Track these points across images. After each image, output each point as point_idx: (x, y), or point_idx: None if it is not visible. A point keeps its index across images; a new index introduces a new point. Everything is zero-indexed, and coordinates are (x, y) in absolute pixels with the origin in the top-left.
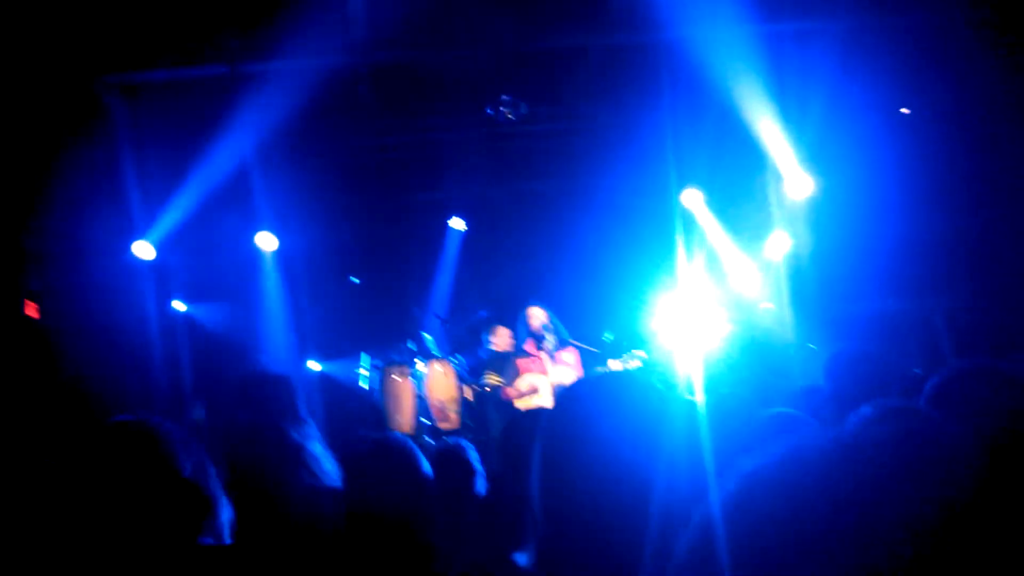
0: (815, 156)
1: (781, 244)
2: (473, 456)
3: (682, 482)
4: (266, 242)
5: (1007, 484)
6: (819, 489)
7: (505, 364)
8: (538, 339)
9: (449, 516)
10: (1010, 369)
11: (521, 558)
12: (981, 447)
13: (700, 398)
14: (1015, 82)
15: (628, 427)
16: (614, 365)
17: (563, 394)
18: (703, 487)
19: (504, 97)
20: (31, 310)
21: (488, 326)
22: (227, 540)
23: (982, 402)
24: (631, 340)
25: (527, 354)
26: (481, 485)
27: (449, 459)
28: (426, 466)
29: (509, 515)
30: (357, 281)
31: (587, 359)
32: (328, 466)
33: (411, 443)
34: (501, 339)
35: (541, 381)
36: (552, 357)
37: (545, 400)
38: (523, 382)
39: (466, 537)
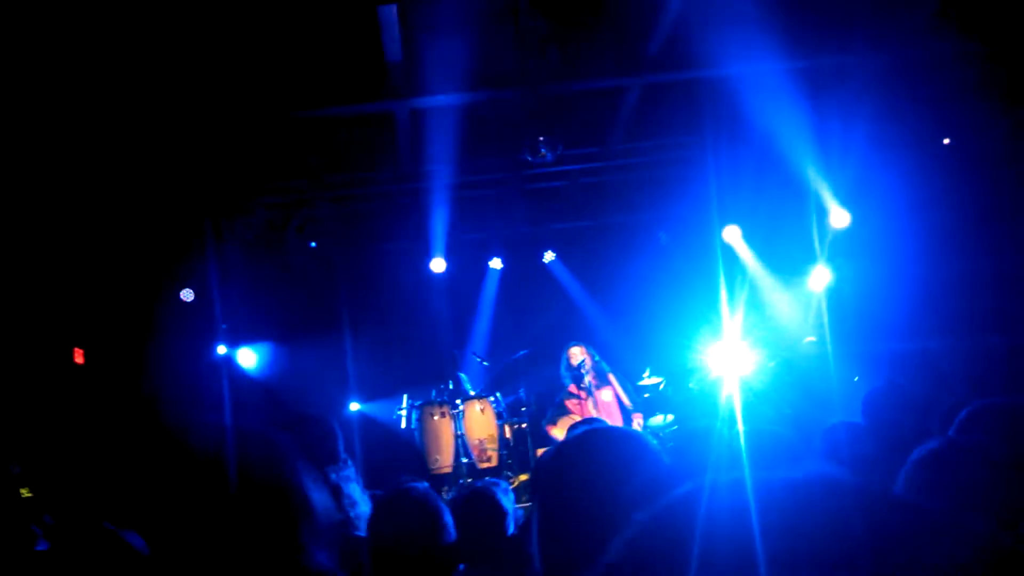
0: (854, 190)
1: (822, 277)
2: (504, 498)
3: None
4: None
5: None
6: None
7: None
8: (578, 378)
9: (477, 558)
10: None
11: None
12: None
13: (740, 431)
14: None
15: (619, 483)
16: (637, 420)
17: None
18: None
19: (540, 139)
20: (78, 357)
21: (565, 350)
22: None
23: (1007, 436)
24: (672, 379)
25: (572, 395)
26: (513, 526)
27: (476, 502)
28: (446, 517)
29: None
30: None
31: (628, 394)
32: (364, 508)
33: (432, 495)
34: (575, 358)
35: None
36: (593, 397)
37: None
38: (566, 425)
39: None
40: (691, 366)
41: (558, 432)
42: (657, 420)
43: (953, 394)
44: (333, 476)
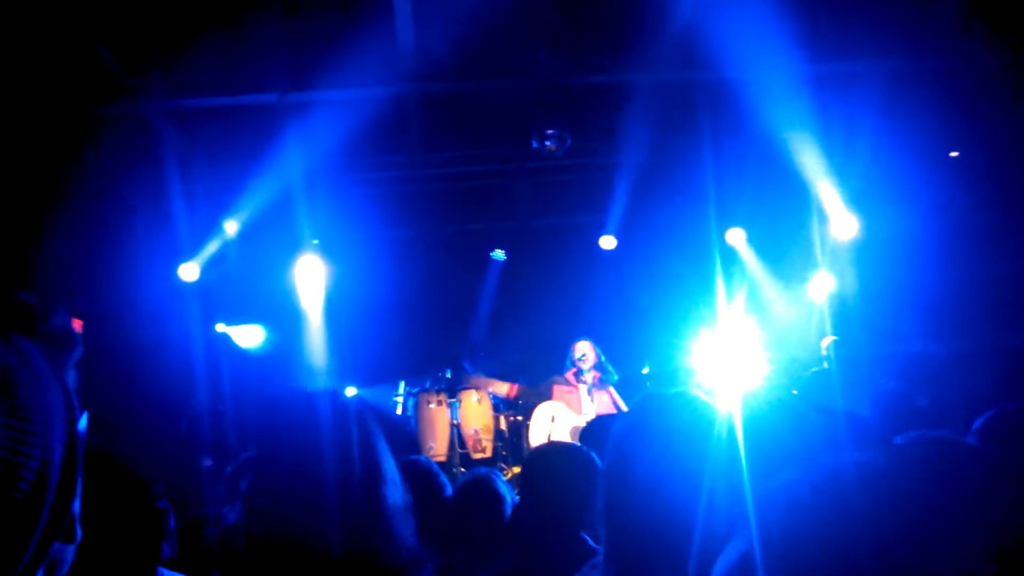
0: (860, 197)
1: (825, 284)
2: (501, 485)
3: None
4: (308, 268)
5: None
6: (860, 512)
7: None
8: (579, 372)
9: (474, 542)
10: None
11: None
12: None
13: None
14: None
15: (691, 443)
16: None
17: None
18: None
19: (549, 131)
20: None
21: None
22: None
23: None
24: (669, 376)
25: (565, 382)
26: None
27: (476, 488)
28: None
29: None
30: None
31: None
32: None
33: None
34: (578, 351)
35: (560, 411)
36: (590, 394)
37: (560, 433)
38: (544, 410)
39: (494, 561)
40: (690, 367)
41: (533, 423)
42: None
43: (958, 400)
44: None
